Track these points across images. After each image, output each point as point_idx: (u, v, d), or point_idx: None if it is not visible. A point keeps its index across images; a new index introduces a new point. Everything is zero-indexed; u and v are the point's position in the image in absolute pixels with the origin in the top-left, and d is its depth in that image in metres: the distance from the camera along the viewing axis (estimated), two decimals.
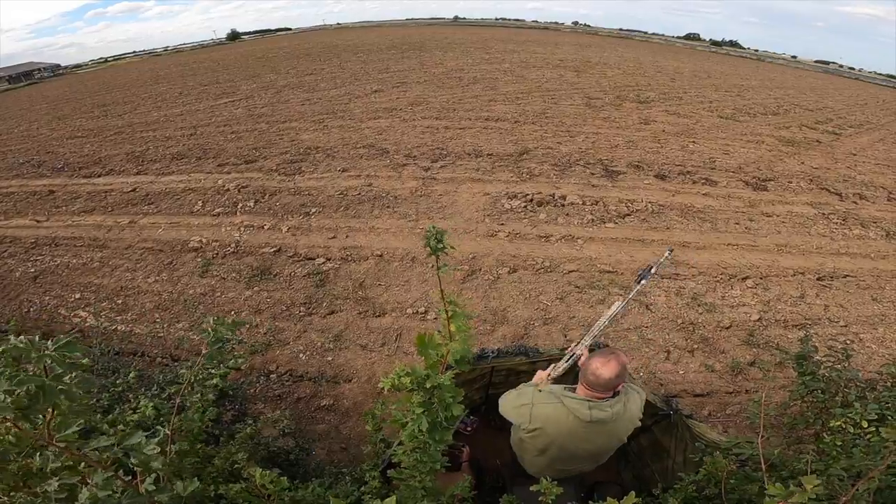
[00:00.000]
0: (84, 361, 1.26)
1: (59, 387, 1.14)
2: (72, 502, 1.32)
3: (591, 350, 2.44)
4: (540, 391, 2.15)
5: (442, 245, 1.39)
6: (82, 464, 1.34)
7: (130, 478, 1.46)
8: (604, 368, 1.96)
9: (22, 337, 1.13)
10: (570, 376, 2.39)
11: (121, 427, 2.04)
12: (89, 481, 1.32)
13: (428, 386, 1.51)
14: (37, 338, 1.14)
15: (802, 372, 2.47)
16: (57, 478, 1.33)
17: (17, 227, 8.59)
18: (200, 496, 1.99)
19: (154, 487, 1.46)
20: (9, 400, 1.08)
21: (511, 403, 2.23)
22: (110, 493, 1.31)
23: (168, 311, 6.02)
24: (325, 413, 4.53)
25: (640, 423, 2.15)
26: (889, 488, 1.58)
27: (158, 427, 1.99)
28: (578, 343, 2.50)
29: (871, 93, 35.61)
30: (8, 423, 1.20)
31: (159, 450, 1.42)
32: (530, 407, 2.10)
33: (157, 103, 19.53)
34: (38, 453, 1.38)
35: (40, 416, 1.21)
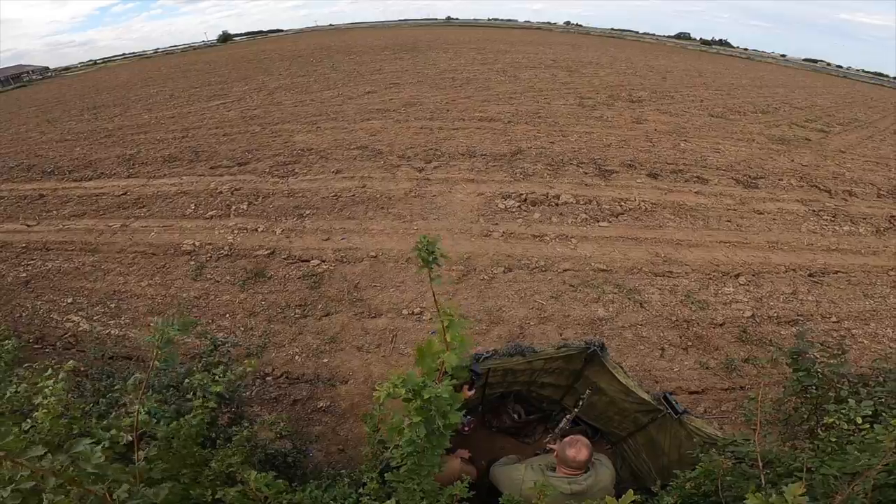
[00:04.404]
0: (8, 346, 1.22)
1: None
2: None
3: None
4: (531, 467, 2.60)
5: (434, 257, 1.35)
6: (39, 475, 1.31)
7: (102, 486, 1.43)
8: (579, 454, 2.43)
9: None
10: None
11: (114, 432, 2.01)
12: (45, 492, 1.29)
13: (426, 396, 1.50)
14: None
15: (797, 368, 2.49)
16: (12, 485, 1.30)
17: (7, 232, 8.49)
18: (198, 500, 1.98)
19: (127, 495, 1.43)
20: None
21: (505, 475, 2.68)
22: (62, 498, 1.29)
23: (162, 315, 5.97)
24: (322, 415, 4.52)
25: (614, 492, 2.47)
26: (887, 486, 1.59)
27: (121, 434, 1.93)
28: (548, 438, 3.21)
29: (859, 90, 35.97)
30: None
31: (103, 458, 1.39)
32: (521, 482, 2.50)
33: (148, 106, 19.38)
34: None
35: None
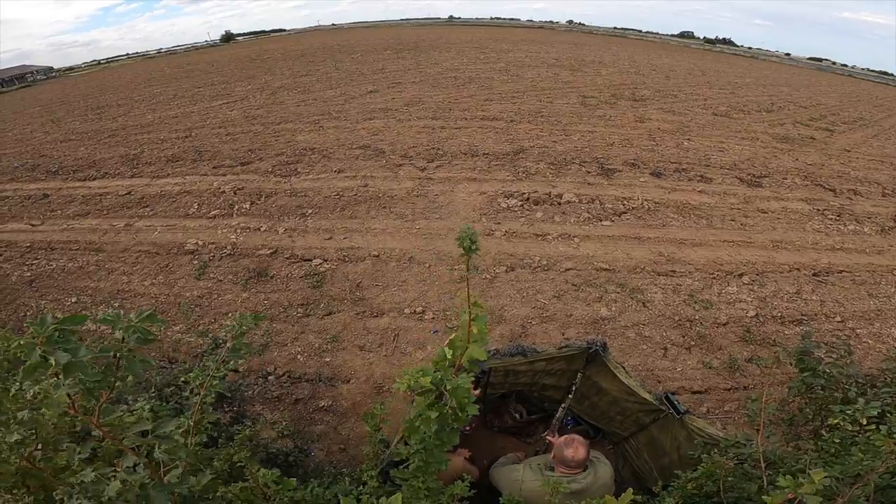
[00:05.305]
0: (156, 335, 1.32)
1: (136, 357, 1.22)
2: (102, 491, 1.34)
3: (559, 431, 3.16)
4: (529, 467, 2.59)
5: (475, 246, 1.41)
6: (111, 452, 1.37)
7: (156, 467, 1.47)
8: (577, 453, 2.42)
9: (111, 310, 1.18)
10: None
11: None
12: (119, 469, 1.34)
13: (448, 388, 1.52)
14: (121, 311, 1.22)
15: (803, 368, 2.47)
16: (93, 468, 1.35)
17: (12, 232, 8.53)
18: (205, 494, 1.99)
19: (177, 480, 1.47)
20: (93, 369, 1.13)
21: (503, 476, 2.67)
22: (138, 476, 1.34)
23: (165, 314, 5.99)
24: (324, 414, 4.53)
25: (614, 489, 2.50)
26: (889, 488, 1.58)
27: (182, 419, 1.99)
28: (546, 431, 3.22)
29: (863, 89, 35.77)
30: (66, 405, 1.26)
31: (184, 440, 1.44)
32: (520, 482, 2.51)
33: (152, 105, 19.44)
34: (64, 444, 1.40)
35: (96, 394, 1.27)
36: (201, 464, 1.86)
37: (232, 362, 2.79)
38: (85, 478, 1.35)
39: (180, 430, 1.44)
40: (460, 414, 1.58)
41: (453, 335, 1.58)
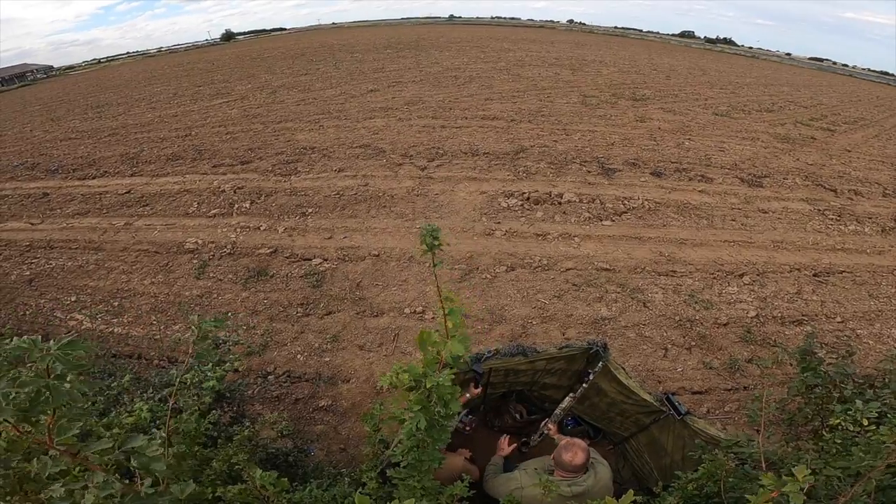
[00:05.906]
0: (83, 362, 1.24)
1: (64, 386, 1.10)
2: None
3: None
4: (526, 472, 2.59)
5: (437, 242, 1.41)
6: (81, 467, 1.34)
7: (128, 480, 1.46)
8: (576, 458, 2.40)
9: (25, 337, 1.08)
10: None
11: (116, 430, 2.02)
12: (90, 484, 1.32)
13: (428, 385, 1.52)
14: (38, 338, 1.09)
15: (805, 367, 2.46)
16: (61, 483, 1.33)
17: (11, 231, 8.53)
18: (198, 498, 1.99)
19: (153, 490, 1.46)
20: (9, 402, 1.05)
21: (501, 485, 2.64)
22: (110, 493, 1.31)
23: (164, 314, 5.99)
24: (324, 414, 4.52)
25: (613, 489, 2.51)
26: (890, 488, 1.58)
27: (154, 430, 1.98)
28: (546, 422, 3.22)
29: (865, 89, 35.74)
30: (8, 427, 1.18)
31: (161, 452, 1.42)
32: (521, 490, 2.48)
33: (152, 104, 19.42)
34: (35, 458, 1.38)
35: (42, 417, 1.19)
36: (183, 474, 1.85)
37: (228, 363, 2.79)
38: (54, 493, 1.32)
39: (156, 443, 1.41)
40: (443, 410, 1.58)
41: (421, 331, 1.58)
